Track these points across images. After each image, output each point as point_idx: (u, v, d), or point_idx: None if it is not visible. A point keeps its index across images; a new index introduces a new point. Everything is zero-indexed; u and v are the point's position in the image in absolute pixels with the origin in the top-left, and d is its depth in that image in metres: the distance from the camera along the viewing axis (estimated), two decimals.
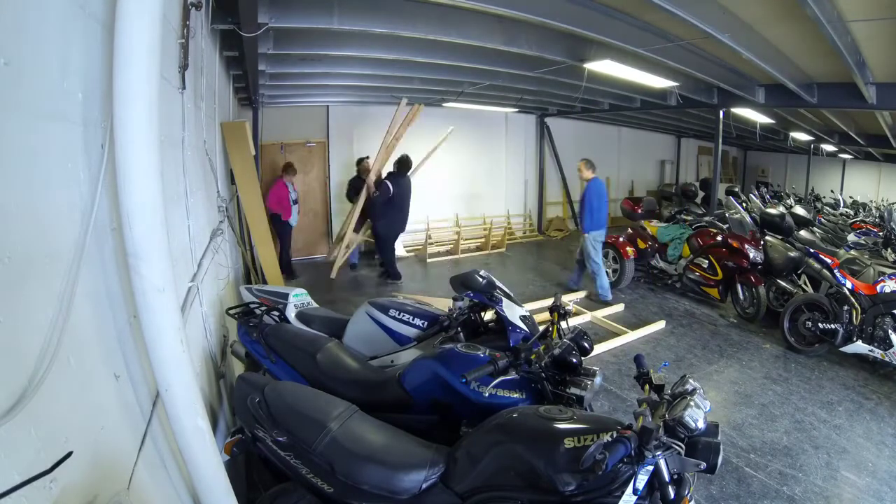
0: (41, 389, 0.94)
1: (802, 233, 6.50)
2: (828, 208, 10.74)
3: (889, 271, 4.86)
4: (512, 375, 2.04)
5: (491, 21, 4.25)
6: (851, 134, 9.81)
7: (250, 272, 5.50)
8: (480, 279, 3.02)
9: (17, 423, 0.86)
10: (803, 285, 5.49)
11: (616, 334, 4.98)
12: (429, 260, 8.48)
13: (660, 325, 5.33)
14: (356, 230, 7.15)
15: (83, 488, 1.08)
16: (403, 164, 6.71)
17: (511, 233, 10.56)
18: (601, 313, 5.56)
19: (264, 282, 5.52)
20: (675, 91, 6.79)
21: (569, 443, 1.54)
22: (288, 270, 6.82)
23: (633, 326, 5.23)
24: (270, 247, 5.25)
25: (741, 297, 5.64)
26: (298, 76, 5.94)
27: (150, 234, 1.23)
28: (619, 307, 5.88)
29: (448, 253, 9.15)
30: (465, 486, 1.65)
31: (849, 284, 4.55)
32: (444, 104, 8.52)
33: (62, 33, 1.14)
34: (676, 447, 1.45)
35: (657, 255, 6.68)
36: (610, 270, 6.83)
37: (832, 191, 13.25)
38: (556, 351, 2.10)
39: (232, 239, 4.15)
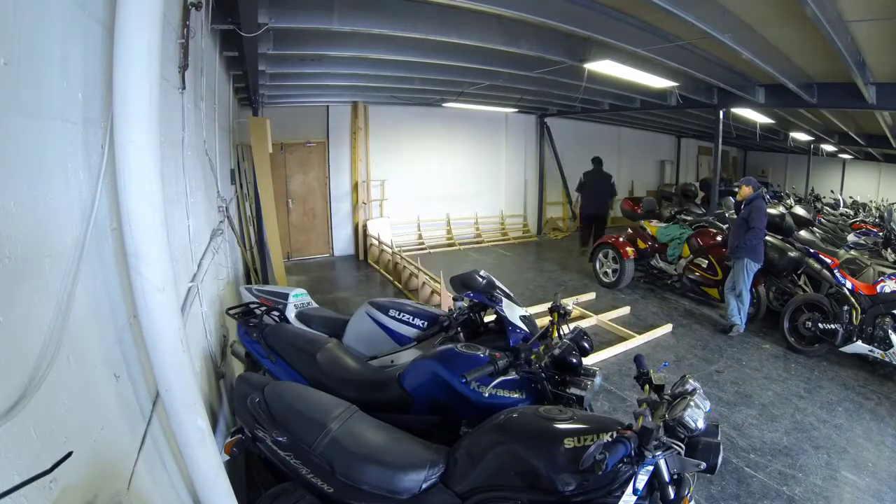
0: (41, 389, 0.94)
1: (802, 233, 6.50)
2: (828, 208, 10.74)
3: (889, 271, 4.88)
4: (512, 375, 2.04)
5: (491, 21, 4.25)
6: (851, 134, 9.82)
7: (250, 272, 5.50)
8: (480, 279, 3.02)
9: (17, 423, 0.86)
10: (803, 285, 5.49)
11: (623, 338, 4.97)
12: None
13: (667, 328, 5.32)
14: None
15: (83, 488, 1.08)
16: None
17: (505, 234, 10.59)
18: (607, 316, 5.55)
19: (265, 282, 5.52)
20: (675, 91, 6.79)
21: (569, 443, 1.54)
22: None
23: (637, 328, 5.23)
24: (277, 243, 5.35)
25: None
26: (298, 76, 5.95)
27: (150, 234, 1.23)
28: (626, 309, 5.86)
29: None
30: (464, 486, 1.65)
31: (849, 284, 4.55)
32: (444, 104, 8.53)
33: (62, 33, 1.13)
34: (676, 447, 1.45)
35: (657, 255, 6.68)
36: (610, 270, 6.84)
37: (832, 191, 13.24)
38: (556, 351, 2.10)
39: (232, 239, 4.15)
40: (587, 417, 1.71)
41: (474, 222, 10.45)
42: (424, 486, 1.69)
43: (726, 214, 6.42)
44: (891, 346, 4.14)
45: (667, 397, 1.62)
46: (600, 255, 6.96)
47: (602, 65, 4.91)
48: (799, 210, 7.59)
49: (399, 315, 2.99)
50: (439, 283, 5.46)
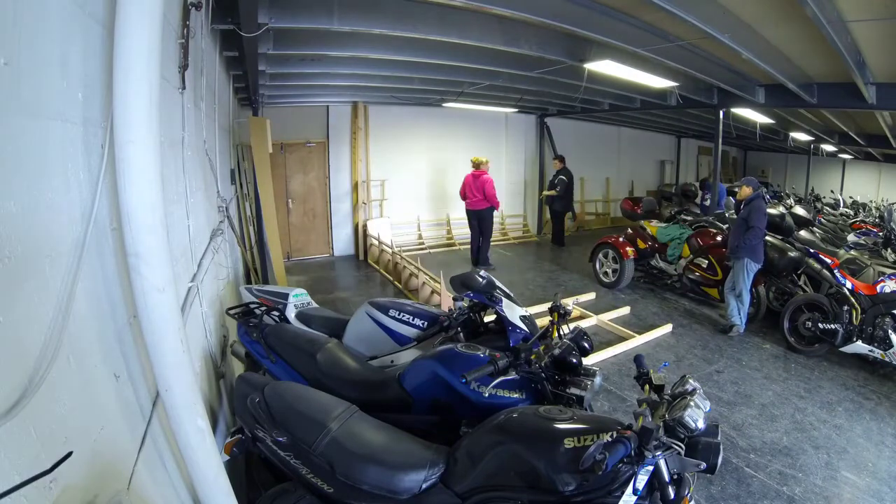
0: (41, 389, 0.94)
1: (802, 233, 6.50)
2: (828, 208, 10.74)
3: (889, 271, 4.87)
4: (512, 375, 2.04)
5: (491, 21, 4.25)
6: (851, 134, 9.83)
7: (250, 272, 5.50)
8: (480, 279, 3.02)
9: (17, 423, 0.86)
10: (803, 285, 5.49)
11: (623, 338, 4.97)
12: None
13: (667, 328, 5.31)
14: None
15: (83, 488, 1.08)
16: None
17: (505, 234, 10.60)
18: (607, 317, 5.54)
19: (265, 282, 5.53)
20: (675, 91, 6.79)
21: (569, 443, 1.54)
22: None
23: (637, 328, 5.23)
24: (277, 244, 5.35)
25: None
26: (298, 76, 5.95)
27: (150, 234, 1.23)
28: (626, 309, 5.86)
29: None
30: (464, 486, 1.66)
31: (849, 284, 4.55)
32: (444, 104, 8.52)
33: (62, 33, 1.13)
34: (676, 447, 1.45)
35: (657, 255, 6.68)
36: (610, 270, 6.84)
37: (832, 191, 13.25)
38: (556, 351, 2.10)
39: (232, 239, 4.15)
40: (587, 417, 1.71)
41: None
42: (424, 486, 1.69)
43: (726, 214, 6.42)
44: (891, 346, 4.14)
45: (667, 397, 1.62)
46: (600, 255, 6.96)
47: (602, 65, 4.91)
48: (799, 210, 7.58)
49: (399, 315, 2.99)
50: (439, 283, 5.46)
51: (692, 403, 1.48)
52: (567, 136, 11.39)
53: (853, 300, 4.41)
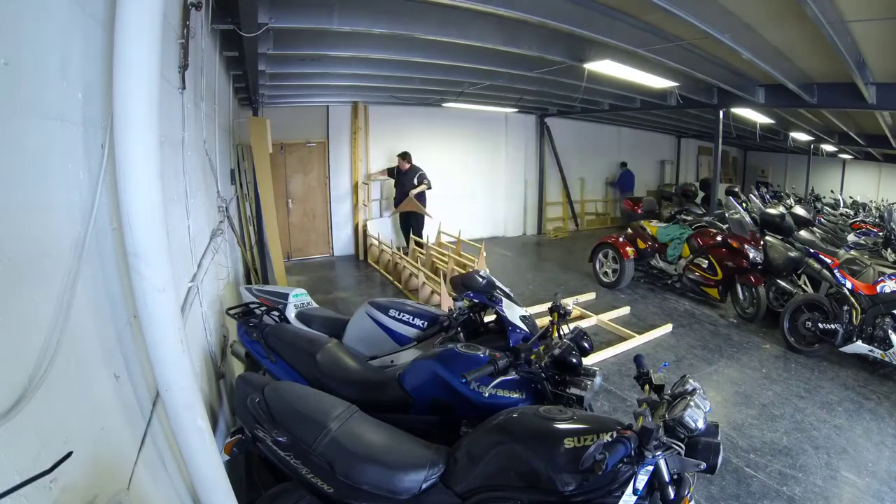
0: (41, 389, 0.94)
1: (802, 233, 6.50)
2: (828, 208, 10.75)
3: (889, 271, 4.87)
4: (512, 375, 2.04)
5: (491, 21, 4.26)
6: (851, 134, 9.83)
7: (250, 272, 5.50)
8: (480, 279, 3.02)
9: (17, 423, 0.86)
10: (803, 285, 5.49)
11: (623, 338, 4.96)
12: None
13: (667, 328, 5.31)
14: None
15: (83, 488, 1.08)
16: None
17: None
18: (607, 316, 5.54)
19: (265, 282, 5.52)
20: (675, 91, 6.79)
21: (569, 443, 1.54)
22: None
23: (637, 328, 5.23)
24: (277, 244, 5.34)
25: (741, 297, 5.63)
26: (298, 76, 5.95)
27: (150, 234, 1.23)
28: (626, 309, 5.86)
29: None
30: (464, 486, 1.65)
31: (849, 284, 4.55)
32: (444, 104, 8.53)
33: (62, 33, 1.13)
34: (676, 447, 1.45)
35: (657, 255, 6.68)
36: (610, 270, 6.84)
37: (832, 191, 13.26)
38: (556, 351, 2.10)
39: (232, 239, 4.15)
40: (587, 417, 1.71)
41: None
42: (424, 486, 1.69)
43: (727, 214, 6.42)
44: (891, 346, 4.14)
45: (667, 397, 1.62)
46: (600, 255, 6.96)
47: (602, 65, 4.91)
48: (799, 210, 7.59)
49: (399, 315, 2.99)
50: (439, 283, 5.46)
51: (692, 403, 1.48)
52: (567, 136, 11.40)
53: (853, 300, 4.40)
